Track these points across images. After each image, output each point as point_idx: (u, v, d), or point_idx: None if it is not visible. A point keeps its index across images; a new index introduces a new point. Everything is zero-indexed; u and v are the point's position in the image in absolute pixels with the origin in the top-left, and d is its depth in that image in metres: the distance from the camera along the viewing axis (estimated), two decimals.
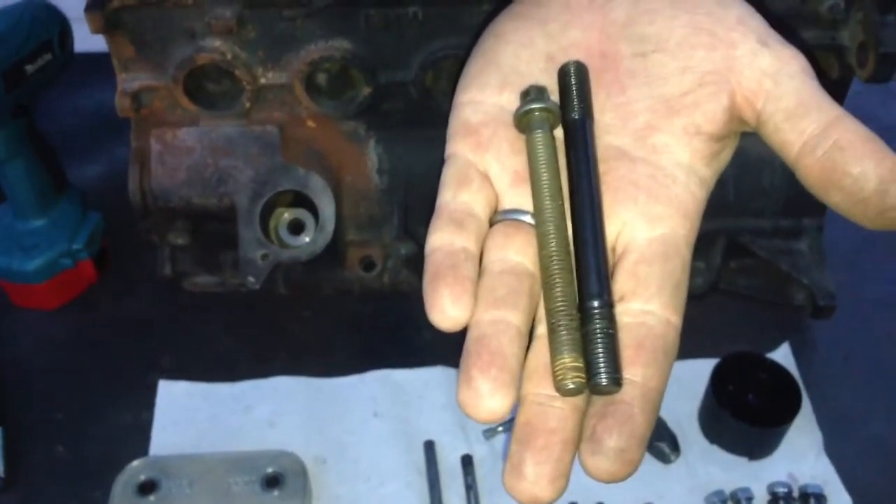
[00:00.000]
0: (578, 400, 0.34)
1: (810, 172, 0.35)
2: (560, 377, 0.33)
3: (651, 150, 0.38)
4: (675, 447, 0.69)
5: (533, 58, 0.40)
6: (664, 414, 0.70)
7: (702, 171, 0.38)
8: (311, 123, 0.73)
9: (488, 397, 0.33)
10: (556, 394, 0.34)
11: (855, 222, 0.35)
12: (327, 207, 0.72)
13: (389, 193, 0.76)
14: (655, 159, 0.37)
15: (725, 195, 0.76)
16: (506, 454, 0.34)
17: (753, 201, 0.76)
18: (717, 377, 0.69)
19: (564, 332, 0.34)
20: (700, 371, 0.71)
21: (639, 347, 0.34)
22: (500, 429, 0.70)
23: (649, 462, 0.68)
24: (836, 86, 0.72)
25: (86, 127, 0.94)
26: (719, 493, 0.65)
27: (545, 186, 0.37)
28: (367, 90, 0.71)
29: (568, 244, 0.36)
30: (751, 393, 0.71)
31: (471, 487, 0.66)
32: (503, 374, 0.33)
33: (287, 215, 0.73)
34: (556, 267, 0.35)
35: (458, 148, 0.39)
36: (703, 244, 0.79)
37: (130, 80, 0.69)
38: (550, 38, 0.40)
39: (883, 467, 0.69)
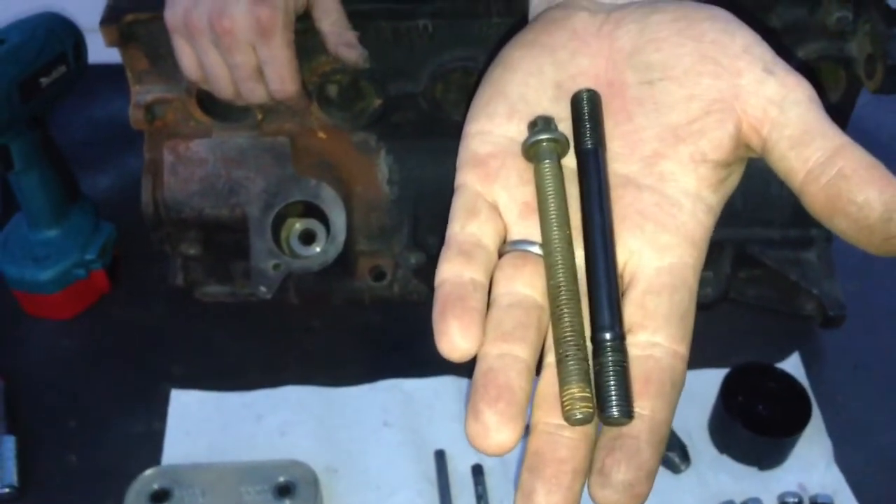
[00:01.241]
0: (588, 429, 0.34)
1: (815, 200, 0.36)
2: (568, 407, 0.34)
3: (658, 178, 0.38)
4: (685, 457, 0.69)
5: (541, 86, 0.41)
6: (674, 423, 0.69)
7: (709, 198, 0.38)
8: (321, 135, 0.74)
9: (496, 431, 0.33)
10: (565, 423, 0.34)
11: (861, 248, 0.35)
12: (338, 218, 0.73)
13: (399, 204, 0.76)
14: (662, 187, 0.38)
15: (734, 205, 0.76)
16: (519, 466, 0.34)
17: (762, 211, 0.77)
18: (726, 387, 0.70)
19: (573, 363, 0.34)
20: (710, 381, 0.71)
21: (647, 381, 0.34)
22: None
23: (660, 472, 0.68)
24: (843, 98, 0.72)
25: (98, 138, 0.95)
26: (730, 502, 0.66)
27: (553, 216, 0.37)
28: (377, 102, 0.72)
29: (576, 274, 0.36)
30: (761, 403, 0.71)
31: (481, 497, 0.67)
32: (511, 408, 0.34)
33: (298, 226, 0.74)
34: (564, 297, 0.36)
35: (468, 179, 0.40)
36: (712, 254, 0.79)
37: (144, 93, 0.70)
38: (559, 67, 0.41)
39: (893, 477, 0.69)
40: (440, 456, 0.69)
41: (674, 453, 0.69)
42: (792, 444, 0.68)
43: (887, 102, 1.02)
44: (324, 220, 0.73)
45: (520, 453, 0.70)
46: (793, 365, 0.74)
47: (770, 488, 0.67)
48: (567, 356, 0.35)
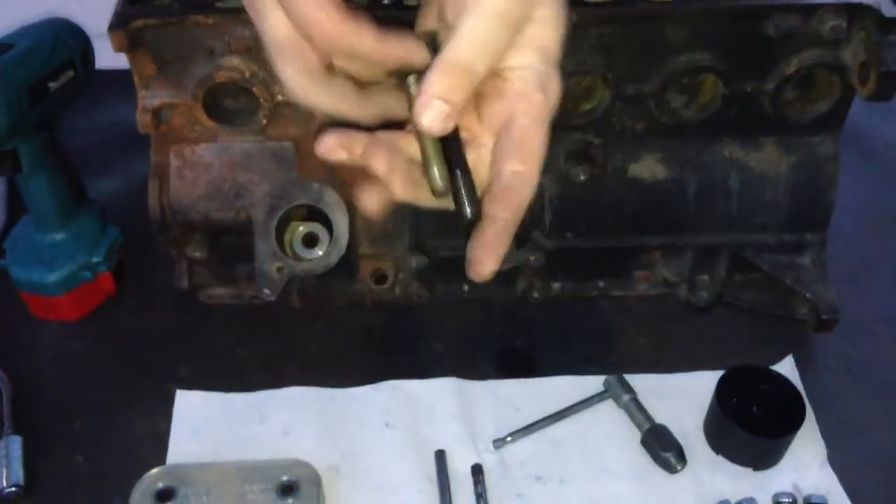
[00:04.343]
0: None
1: None
2: None
3: None
4: (682, 457, 0.70)
5: None
6: (670, 423, 0.72)
7: None
8: None
9: None
10: None
11: None
12: (341, 221, 0.74)
13: (401, 208, 0.77)
14: None
15: (729, 210, 0.78)
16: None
17: (757, 217, 0.79)
18: (722, 389, 0.71)
19: None
20: (705, 383, 0.73)
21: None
22: (510, 439, 0.72)
23: (656, 472, 0.70)
24: (838, 104, 0.74)
25: (104, 142, 0.97)
26: (725, 502, 0.67)
27: None
28: None
29: None
30: (755, 405, 0.72)
31: (481, 496, 0.68)
32: None
33: (302, 229, 0.75)
34: None
35: None
36: (708, 258, 0.81)
37: (151, 98, 0.72)
38: None
39: (886, 478, 0.71)
40: (440, 456, 0.71)
41: (670, 454, 0.70)
42: (786, 445, 0.70)
43: (881, 108, 1.04)
44: (327, 223, 0.75)
45: (518, 456, 0.72)
46: (787, 367, 0.76)
47: (765, 488, 0.69)
48: None
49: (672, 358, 0.79)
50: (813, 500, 0.67)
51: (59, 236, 0.79)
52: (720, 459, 0.71)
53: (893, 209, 0.95)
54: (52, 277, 0.78)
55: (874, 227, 0.93)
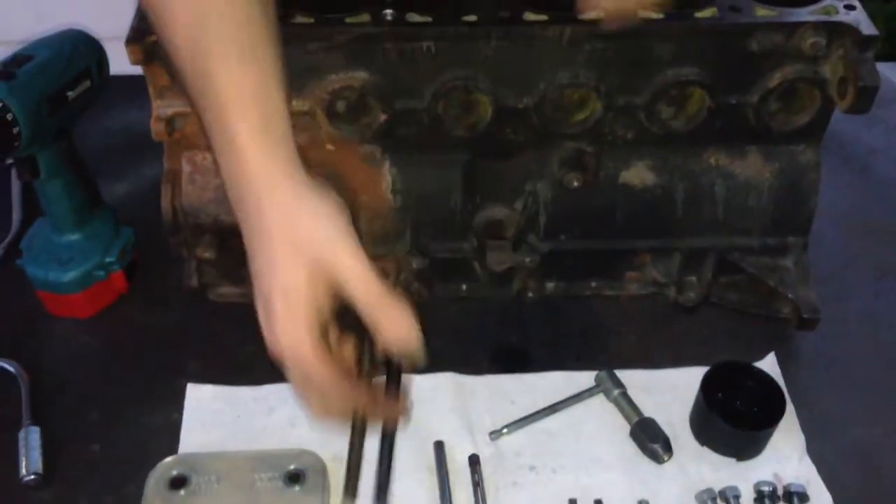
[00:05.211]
0: None
1: None
2: None
3: None
4: (668, 448, 0.74)
5: None
6: (656, 416, 0.75)
7: None
8: (330, 147, 0.78)
9: None
10: None
11: None
12: None
13: (402, 211, 0.81)
14: None
15: (715, 215, 0.82)
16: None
17: (742, 221, 0.82)
18: (707, 384, 0.75)
19: None
20: (692, 378, 0.76)
21: None
22: (505, 431, 0.75)
23: (644, 462, 0.74)
24: (818, 116, 0.77)
25: (114, 147, 0.99)
26: (709, 490, 0.71)
27: None
28: (382, 117, 0.76)
29: None
30: (739, 399, 0.76)
31: (478, 484, 0.72)
32: None
33: None
34: None
35: None
36: (695, 261, 0.84)
37: (165, 107, 0.75)
38: None
39: (862, 468, 0.74)
40: (439, 447, 0.74)
41: (657, 445, 0.73)
42: (767, 437, 0.73)
43: (864, 117, 1.07)
44: None
45: (513, 447, 0.74)
46: (769, 364, 0.80)
47: (747, 478, 0.72)
48: None
49: (660, 355, 0.82)
50: (792, 489, 0.71)
51: (74, 237, 0.82)
52: (705, 450, 0.75)
53: (874, 214, 0.98)
54: (68, 276, 0.81)
55: (855, 231, 0.96)
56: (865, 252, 0.94)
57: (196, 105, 0.58)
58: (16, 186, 0.94)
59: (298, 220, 0.56)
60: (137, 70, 0.74)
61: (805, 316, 0.82)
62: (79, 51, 0.78)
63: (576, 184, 0.80)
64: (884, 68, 1.17)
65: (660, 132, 0.78)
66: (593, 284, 0.88)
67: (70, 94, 0.76)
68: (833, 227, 0.94)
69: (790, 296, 0.82)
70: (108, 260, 0.83)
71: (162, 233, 0.81)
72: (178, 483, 0.69)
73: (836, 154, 1.01)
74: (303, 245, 0.56)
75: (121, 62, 0.80)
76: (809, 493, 0.71)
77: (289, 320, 0.55)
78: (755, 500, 0.71)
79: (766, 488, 0.71)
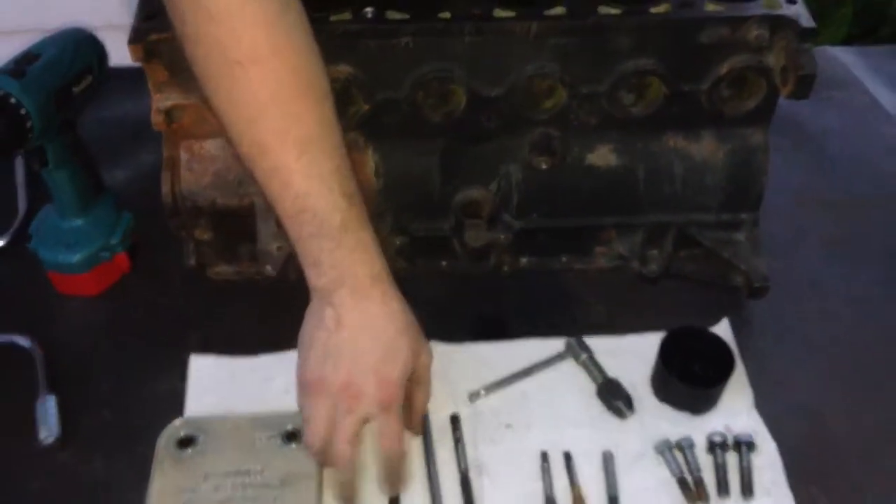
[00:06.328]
0: None
1: None
2: None
3: None
4: (630, 405, 0.80)
5: None
6: (620, 377, 0.82)
7: None
8: None
9: None
10: None
11: None
12: None
13: (385, 193, 0.87)
14: None
15: (674, 193, 0.88)
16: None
17: (698, 198, 0.88)
18: (665, 347, 0.81)
19: None
20: (652, 342, 0.82)
21: None
22: (483, 393, 0.81)
23: (608, 418, 0.80)
24: (764, 102, 0.83)
25: (111, 136, 1.03)
26: (666, 441, 0.77)
27: None
28: (366, 107, 0.82)
29: None
30: (694, 360, 0.81)
31: (458, 441, 0.78)
32: None
33: None
34: None
35: None
36: (657, 235, 0.90)
37: (163, 100, 0.80)
38: None
39: (804, 421, 0.81)
40: None
41: (620, 402, 0.80)
42: (719, 394, 0.80)
43: (819, 99, 1.12)
44: None
45: (491, 407, 0.80)
46: (723, 329, 0.86)
47: (701, 430, 0.78)
48: None
49: (625, 322, 0.87)
50: (741, 439, 0.77)
51: (79, 222, 0.87)
52: (664, 406, 0.80)
53: (825, 190, 1.04)
54: (75, 258, 0.86)
55: (806, 206, 1.01)
56: (815, 225, 0.99)
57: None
58: (20, 176, 0.99)
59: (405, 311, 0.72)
60: (129, 62, 0.79)
61: (755, 285, 0.87)
62: (81, 48, 0.83)
63: (545, 166, 0.86)
64: (840, 52, 1.24)
65: (621, 118, 0.84)
66: (563, 259, 0.93)
67: (75, 89, 0.81)
68: (787, 202, 1.00)
69: (742, 266, 0.88)
70: (112, 242, 0.88)
71: (160, 216, 0.86)
72: (185, 443, 0.75)
73: (791, 134, 1.07)
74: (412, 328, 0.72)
75: (116, 53, 0.85)
76: (756, 442, 0.77)
77: (389, 363, 0.69)
78: (708, 449, 0.77)
79: (717, 438, 0.77)
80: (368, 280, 0.69)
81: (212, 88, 0.66)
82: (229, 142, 0.68)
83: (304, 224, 0.66)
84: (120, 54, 0.84)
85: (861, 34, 1.84)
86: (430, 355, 0.73)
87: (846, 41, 1.81)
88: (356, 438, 0.69)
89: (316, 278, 0.69)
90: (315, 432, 0.68)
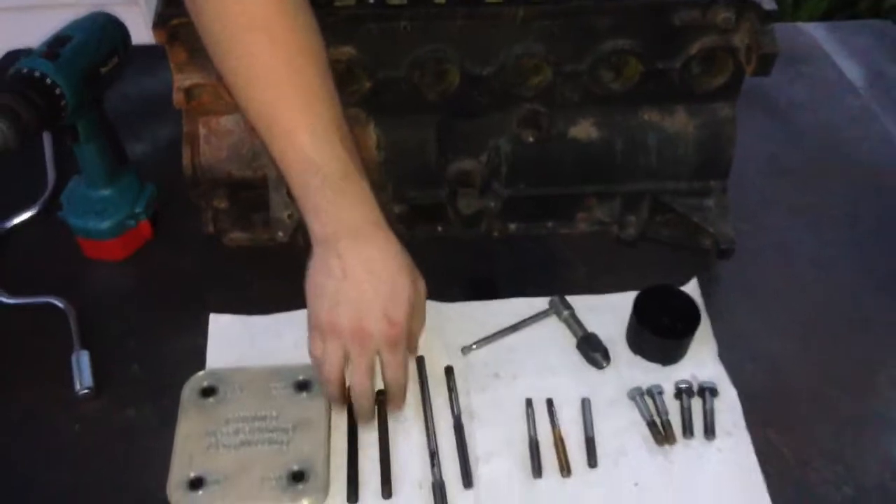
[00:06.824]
0: None
1: None
2: None
3: None
4: (607, 357, 0.87)
5: None
6: (598, 332, 0.89)
7: None
8: None
9: None
10: None
11: None
12: None
13: (386, 165, 0.93)
14: None
15: (650, 163, 0.94)
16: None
17: (671, 168, 0.94)
18: (639, 304, 0.88)
19: None
20: (628, 300, 0.89)
21: None
22: (475, 346, 0.88)
23: (587, 368, 0.87)
24: (731, 78, 0.90)
25: (132, 112, 1.09)
26: (638, 388, 0.84)
27: None
28: (367, 85, 0.88)
29: None
30: (665, 316, 0.88)
31: (452, 390, 0.85)
32: None
33: None
34: None
35: None
36: (634, 202, 0.97)
37: (184, 80, 0.87)
38: None
39: (764, 371, 0.88)
40: (420, 361, 0.86)
41: (598, 354, 0.87)
42: (686, 346, 0.87)
43: (788, 72, 1.20)
44: None
45: (481, 359, 0.87)
46: (692, 287, 0.92)
47: (669, 378, 0.85)
48: None
49: (604, 282, 0.93)
50: (705, 386, 0.84)
51: (107, 192, 0.94)
52: (637, 358, 0.87)
53: (791, 159, 1.10)
54: (104, 225, 0.93)
55: (774, 175, 1.07)
56: (781, 193, 1.05)
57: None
58: (48, 151, 1.06)
59: (402, 251, 0.77)
60: (147, 40, 0.86)
61: (722, 247, 0.94)
62: (107, 31, 0.88)
63: (531, 139, 0.92)
64: (811, 28, 1.31)
65: (601, 94, 0.90)
66: (549, 224, 0.99)
67: (102, 69, 0.87)
68: (756, 170, 1.06)
69: (711, 230, 0.94)
70: (136, 210, 0.94)
71: (179, 186, 0.92)
72: (208, 392, 0.82)
73: (760, 105, 1.13)
74: (409, 266, 0.77)
75: (136, 32, 0.92)
76: (719, 389, 0.84)
77: (394, 305, 0.74)
78: (675, 395, 0.84)
79: (684, 385, 0.84)
80: (369, 226, 0.74)
81: (220, 55, 0.72)
82: (238, 105, 0.74)
83: (309, 176, 0.72)
84: (136, 33, 0.91)
85: (842, 6, 1.90)
86: (424, 286, 0.78)
87: (827, 13, 1.87)
88: (371, 371, 0.75)
89: (320, 228, 0.73)
90: (331, 371, 0.76)
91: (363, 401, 0.78)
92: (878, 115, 1.17)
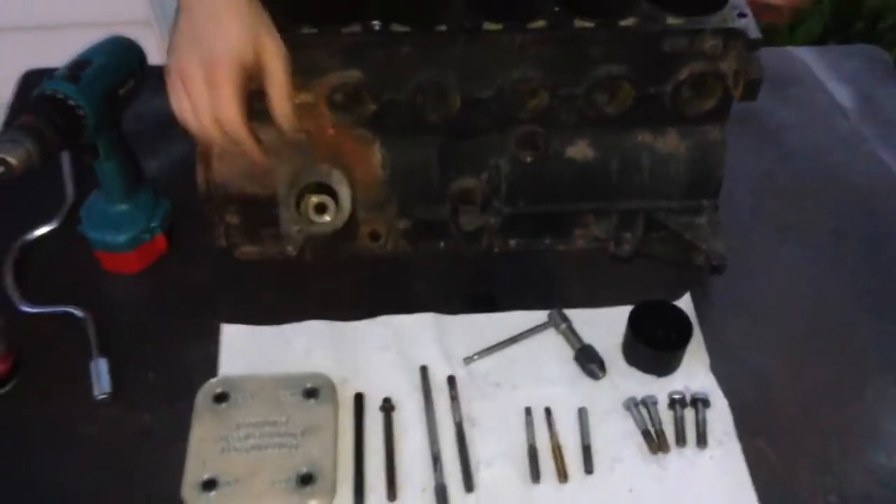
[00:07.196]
0: None
1: None
2: None
3: None
4: (603, 368, 0.89)
5: None
6: (595, 344, 0.91)
7: None
8: (331, 131, 0.93)
9: None
10: None
11: None
12: (344, 194, 0.93)
13: (390, 183, 0.96)
14: None
15: (644, 182, 0.97)
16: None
17: (664, 187, 0.97)
18: (634, 317, 0.91)
19: None
20: (624, 314, 0.92)
21: None
22: (476, 357, 0.91)
23: (584, 379, 0.90)
24: (719, 103, 0.93)
25: (145, 131, 1.08)
26: (633, 399, 0.87)
27: None
28: (373, 107, 0.92)
29: None
30: (659, 329, 0.90)
31: (454, 398, 0.87)
32: None
33: (314, 200, 0.93)
34: None
35: None
36: (629, 219, 1.00)
37: None
38: None
39: (754, 383, 0.90)
40: (424, 370, 0.89)
41: (595, 365, 0.89)
42: (680, 358, 0.90)
43: (778, 96, 1.22)
44: (334, 195, 0.92)
45: (482, 369, 0.90)
46: (685, 302, 0.95)
47: (663, 389, 0.87)
48: None
49: (600, 297, 0.95)
50: (697, 397, 0.87)
51: (124, 207, 0.97)
52: (632, 370, 0.89)
53: (781, 179, 1.12)
54: (121, 238, 0.96)
55: (763, 193, 1.09)
56: (771, 211, 1.07)
57: None
58: (66, 168, 1.09)
59: (251, 5, 0.76)
60: (161, 60, 0.86)
61: (714, 263, 0.96)
62: (126, 55, 0.93)
63: (529, 159, 0.95)
64: (801, 52, 1.34)
65: (596, 116, 0.93)
66: (547, 240, 1.01)
67: (121, 91, 0.90)
68: (746, 190, 1.08)
69: (703, 247, 0.96)
70: (152, 225, 0.98)
71: (193, 202, 0.95)
72: (220, 398, 0.85)
73: (751, 127, 1.15)
74: (253, 18, 0.76)
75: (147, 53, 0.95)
76: (711, 400, 0.87)
77: (213, 44, 0.75)
78: (668, 405, 0.87)
79: (677, 396, 0.86)
80: None
81: None
82: None
83: None
84: (150, 53, 0.95)
85: (836, 28, 1.95)
86: (280, 48, 0.77)
87: (822, 36, 1.91)
88: (204, 110, 0.76)
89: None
90: (178, 115, 0.78)
91: (215, 139, 0.79)
92: (866, 138, 1.19)
